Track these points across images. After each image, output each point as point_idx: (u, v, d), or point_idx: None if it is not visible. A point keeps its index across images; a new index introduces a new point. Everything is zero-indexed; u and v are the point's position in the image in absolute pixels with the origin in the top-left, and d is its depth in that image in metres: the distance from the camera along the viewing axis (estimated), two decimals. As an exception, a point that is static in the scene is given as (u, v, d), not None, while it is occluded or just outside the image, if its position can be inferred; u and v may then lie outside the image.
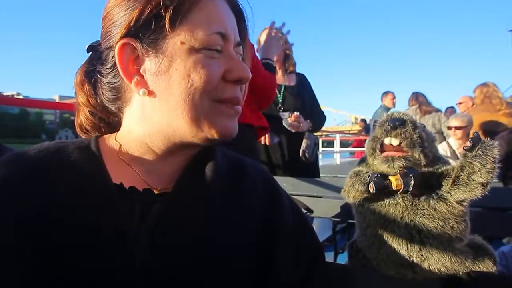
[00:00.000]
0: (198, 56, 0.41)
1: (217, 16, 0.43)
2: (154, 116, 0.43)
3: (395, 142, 0.55)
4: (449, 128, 2.43)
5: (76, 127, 0.51)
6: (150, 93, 0.42)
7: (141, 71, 0.43)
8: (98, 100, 0.48)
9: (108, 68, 0.45)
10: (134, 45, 0.42)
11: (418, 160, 0.55)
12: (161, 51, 0.41)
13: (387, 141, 0.56)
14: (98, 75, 0.46)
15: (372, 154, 0.58)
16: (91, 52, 0.49)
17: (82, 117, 0.50)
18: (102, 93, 0.47)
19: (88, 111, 0.49)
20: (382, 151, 0.57)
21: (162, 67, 0.41)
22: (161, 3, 0.40)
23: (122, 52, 0.42)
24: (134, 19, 0.41)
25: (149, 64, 0.42)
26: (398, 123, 0.55)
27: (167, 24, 0.40)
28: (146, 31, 0.41)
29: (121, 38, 0.42)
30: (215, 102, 0.43)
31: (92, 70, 0.47)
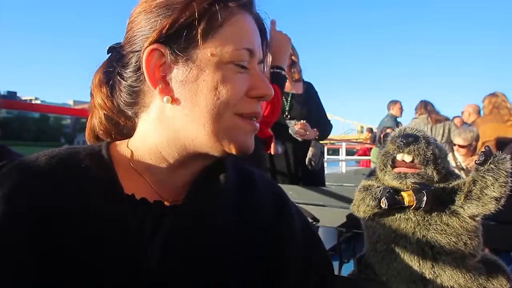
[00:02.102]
0: (226, 69, 0.42)
1: (247, 32, 0.44)
2: (174, 124, 0.43)
3: (408, 158, 0.54)
4: (454, 144, 2.41)
5: (86, 131, 0.51)
6: (174, 100, 0.43)
7: (167, 78, 0.43)
8: (115, 103, 0.48)
9: (130, 72, 0.45)
10: (163, 52, 0.42)
11: (431, 177, 0.54)
12: (191, 60, 0.42)
13: (399, 157, 0.55)
14: (119, 78, 0.46)
15: (383, 169, 0.57)
16: (110, 54, 0.49)
17: (96, 120, 0.50)
18: (120, 95, 0.47)
19: (104, 114, 0.49)
20: (393, 166, 0.56)
21: (190, 76, 0.42)
22: (196, 14, 0.41)
23: (150, 57, 0.42)
24: (167, 26, 0.41)
25: (177, 72, 0.42)
26: (411, 139, 0.54)
27: (199, 35, 0.41)
28: (177, 39, 0.41)
29: (151, 43, 0.42)
30: (237, 116, 0.43)
31: (110, 72, 0.47)
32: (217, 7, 0.41)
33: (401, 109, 4.03)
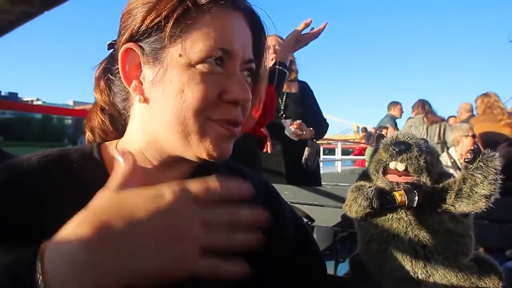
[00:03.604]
0: (194, 71, 0.40)
1: (224, 31, 0.41)
2: (149, 125, 0.43)
3: (401, 167, 0.54)
4: (448, 146, 2.41)
5: (86, 123, 0.51)
6: (146, 100, 0.42)
7: (140, 77, 0.42)
8: (111, 98, 0.48)
9: (117, 68, 0.44)
10: (137, 51, 0.41)
11: (424, 183, 0.55)
12: (159, 61, 0.41)
13: (392, 165, 0.55)
14: (109, 74, 0.46)
15: (375, 174, 0.57)
16: (112, 49, 0.48)
17: (94, 114, 0.50)
18: (114, 92, 0.47)
19: (101, 107, 0.49)
20: (385, 173, 0.56)
21: (158, 77, 0.41)
22: (163, 14, 0.39)
23: (125, 56, 0.42)
24: (137, 25, 0.41)
25: (148, 72, 0.42)
26: (403, 147, 0.54)
27: (166, 34, 0.40)
28: (148, 38, 0.41)
29: (125, 42, 0.41)
30: (209, 120, 0.41)
31: (107, 68, 0.47)
32: (186, 5, 0.39)
33: (401, 111, 4.05)
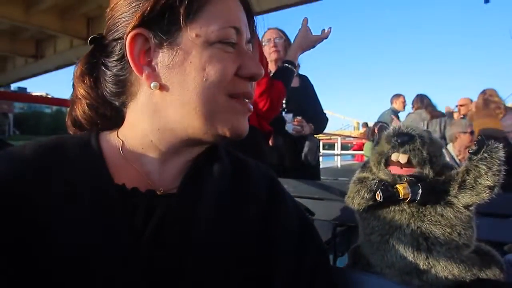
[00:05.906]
0: (213, 49, 0.40)
1: (232, 11, 0.43)
2: (165, 111, 0.42)
3: (403, 159, 0.53)
4: (451, 139, 2.42)
5: (67, 121, 0.50)
6: (162, 87, 0.41)
7: (152, 63, 0.41)
8: (99, 93, 0.46)
9: (114, 61, 0.43)
10: (147, 36, 0.40)
11: (427, 175, 0.54)
12: (176, 43, 0.40)
13: (394, 157, 0.54)
14: (103, 68, 0.45)
15: (377, 166, 0.56)
16: (93, 45, 0.47)
17: (79, 111, 0.48)
18: (106, 86, 0.45)
19: (87, 103, 0.47)
20: (387, 165, 0.55)
21: (176, 60, 0.40)
22: None
23: (133, 43, 0.41)
24: (148, 9, 0.40)
25: (162, 57, 0.41)
26: (406, 139, 0.53)
27: (182, 15, 0.39)
28: (160, 22, 0.40)
29: (133, 28, 0.40)
30: (229, 97, 0.42)
31: (93, 64, 0.46)
32: None
33: (404, 103, 3.97)
